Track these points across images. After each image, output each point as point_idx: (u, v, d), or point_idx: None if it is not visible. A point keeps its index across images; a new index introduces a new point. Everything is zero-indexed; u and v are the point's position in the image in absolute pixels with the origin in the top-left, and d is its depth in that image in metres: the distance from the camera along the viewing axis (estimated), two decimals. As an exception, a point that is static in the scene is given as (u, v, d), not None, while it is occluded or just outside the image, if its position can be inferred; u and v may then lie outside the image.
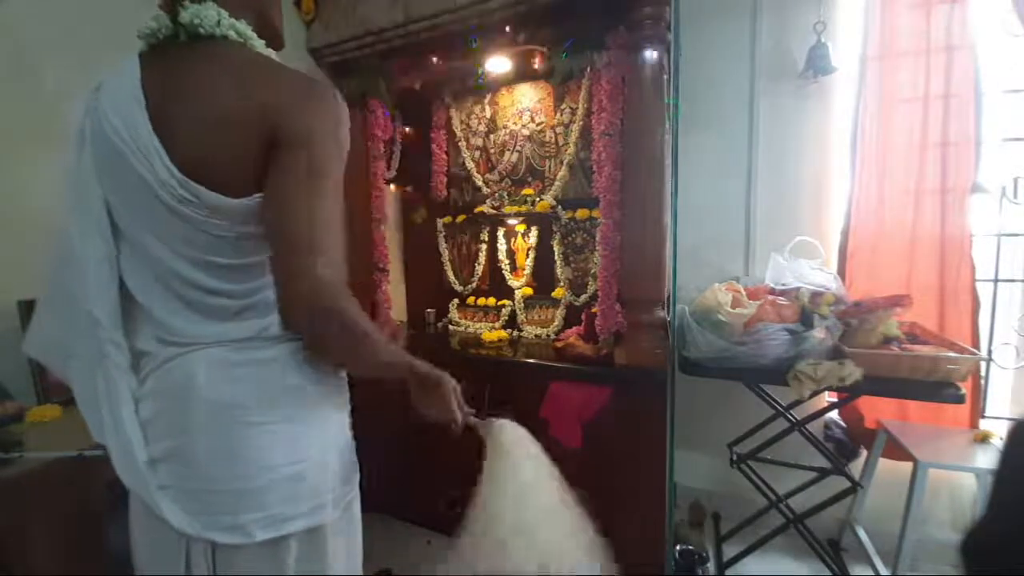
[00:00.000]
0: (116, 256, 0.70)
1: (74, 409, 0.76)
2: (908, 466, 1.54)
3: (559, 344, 1.89)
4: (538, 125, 2.19)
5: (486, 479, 0.84)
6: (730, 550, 1.74)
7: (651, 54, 1.56)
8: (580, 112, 2.04)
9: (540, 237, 2.22)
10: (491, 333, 2.14)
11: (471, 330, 2.33)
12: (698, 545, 1.78)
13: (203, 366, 0.68)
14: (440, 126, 2.43)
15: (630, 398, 1.58)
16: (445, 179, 2.46)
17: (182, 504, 0.67)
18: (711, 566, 1.75)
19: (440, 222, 2.48)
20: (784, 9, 1.84)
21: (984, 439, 1.58)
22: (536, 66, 2.03)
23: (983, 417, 1.73)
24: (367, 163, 2.16)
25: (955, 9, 1.61)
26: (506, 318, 2.28)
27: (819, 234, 1.85)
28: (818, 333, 1.44)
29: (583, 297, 2.11)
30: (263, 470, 0.68)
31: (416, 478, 2.04)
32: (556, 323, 2.15)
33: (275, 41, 0.78)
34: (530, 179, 2.25)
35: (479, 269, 2.38)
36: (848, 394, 1.48)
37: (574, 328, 1.98)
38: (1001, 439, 1.58)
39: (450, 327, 2.40)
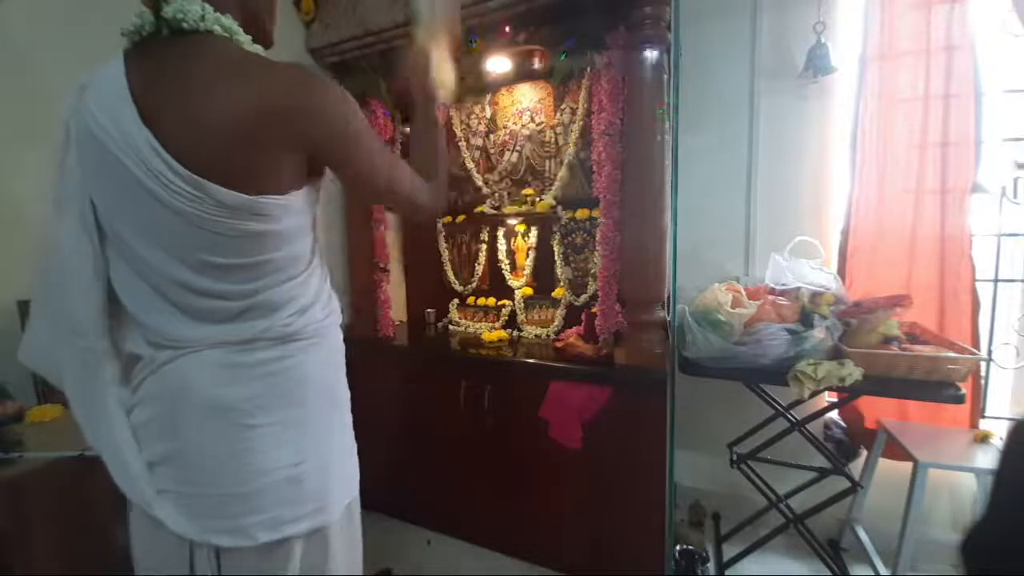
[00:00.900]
0: (103, 260, 0.69)
1: (74, 409, 0.76)
2: (908, 466, 1.54)
3: (559, 344, 1.89)
4: (538, 125, 2.19)
5: None
6: (730, 550, 1.74)
7: (651, 54, 1.56)
8: (580, 112, 2.03)
9: (540, 237, 2.21)
10: (491, 333, 2.14)
11: (471, 330, 2.33)
12: (698, 545, 1.78)
13: (200, 369, 0.67)
14: (441, 126, 2.42)
15: (630, 398, 1.58)
16: (445, 179, 2.45)
17: (181, 508, 0.67)
18: (711, 566, 1.75)
19: (440, 222, 2.47)
20: (784, 9, 1.84)
21: (984, 439, 1.59)
22: (536, 66, 2.03)
23: (983, 417, 1.73)
24: (367, 163, 2.15)
25: (955, 9, 1.61)
26: (506, 318, 2.28)
27: (819, 234, 1.85)
28: (818, 333, 1.44)
29: (583, 297, 2.11)
30: (263, 472, 0.68)
31: (416, 478, 2.04)
32: (556, 323, 2.15)
33: (263, 38, 0.76)
34: (530, 179, 2.25)
35: (479, 269, 2.38)
36: (848, 394, 1.48)
37: (574, 328, 1.98)
38: (1001, 439, 1.58)
39: (450, 327, 2.40)
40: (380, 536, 2.00)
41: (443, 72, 0.96)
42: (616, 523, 1.62)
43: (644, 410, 1.54)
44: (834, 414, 1.89)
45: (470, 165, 2.36)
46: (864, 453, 1.82)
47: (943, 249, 1.68)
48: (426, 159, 0.90)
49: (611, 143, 1.69)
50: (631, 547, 1.60)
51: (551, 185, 2.17)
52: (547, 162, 2.21)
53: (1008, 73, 1.67)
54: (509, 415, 1.80)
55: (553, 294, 2.18)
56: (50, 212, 0.69)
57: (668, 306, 1.66)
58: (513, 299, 2.28)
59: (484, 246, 2.37)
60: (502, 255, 2.32)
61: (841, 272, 1.80)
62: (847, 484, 1.54)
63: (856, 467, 1.79)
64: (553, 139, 2.17)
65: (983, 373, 1.73)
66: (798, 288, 1.60)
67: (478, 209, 2.30)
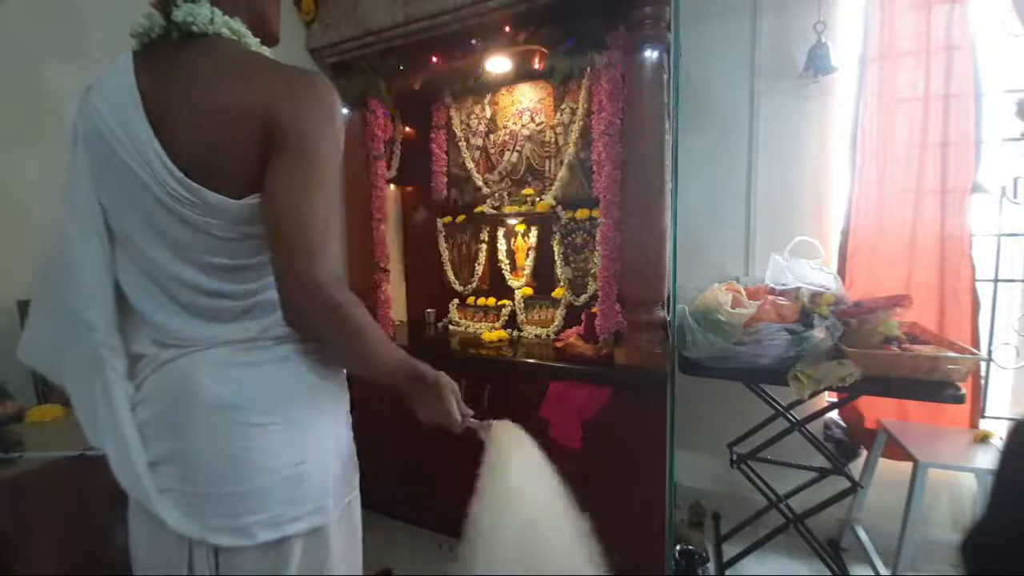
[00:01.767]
0: (111, 259, 0.69)
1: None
2: (908, 466, 1.54)
3: (559, 344, 1.90)
4: (538, 125, 2.19)
5: (486, 479, 0.84)
6: (730, 550, 1.74)
7: (651, 54, 1.56)
8: (580, 112, 2.04)
9: (540, 237, 2.22)
10: (491, 333, 2.14)
11: (471, 330, 2.33)
12: (698, 545, 1.78)
13: (203, 367, 0.67)
14: (440, 126, 2.43)
15: (630, 398, 1.58)
16: (445, 179, 2.46)
17: (182, 507, 0.67)
18: (711, 566, 1.75)
19: (440, 222, 2.48)
20: (784, 9, 1.84)
21: (984, 439, 1.59)
22: (536, 66, 2.03)
23: (983, 417, 1.73)
24: (367, 163, 2.16)
25: (955, 9, 1.61)
26: (506, 318, 2.28)
27: (819, 234, 1.85)
28: (818, 333, 1.44)
29: (583, 297, 2.11)
30: (264, 471, 0.68)
31: (416, 478, 2.03)
32: (556, 323, 2.15)
33: (269, 39, 0.77)
34: (530, 179, 2.25)
35: (479, 269, 2.38)
36: (848, 394, 1.48)
37: (574, 328, 1.98)
38: (1001, 439, 1.58)
39: (450, 327, 2.40)
40: (380, 536, 2.00)
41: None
42: (616, 523, 1.61)
43: (644, 410, 1.54)
44: (834, 414, 1.89)
45: (470, 165, 2.36)
46: (864, 453, 1.82)
47: (943, 249, 1.68)
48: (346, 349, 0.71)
49: (611, 143, 1.69)
50: (631, 547, 1.60)
51: (551, 185, 2.17)
52: (547, 162, 2.21)
53: (1008, 73, 1.67)
54: (509, 415, 1.79)
55: (553, 294, 2.19)
56: (58, 212, 0.70)
57: (668, 306, 1.66)
58: (513, 299, 2.28)
59: (484, 246, 2.37)
60: (502, 255, 2.32)
61: (841, 272, 1.80)
62: (847, 484, 1.54)
63: (856, 467, 1.79)
64: (553, 139, 2.17)
65: (983, 373, 1.73)
66: (798, 288, 1.60)
67: (478, 209, 2.30)
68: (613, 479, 1.61)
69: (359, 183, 2.14)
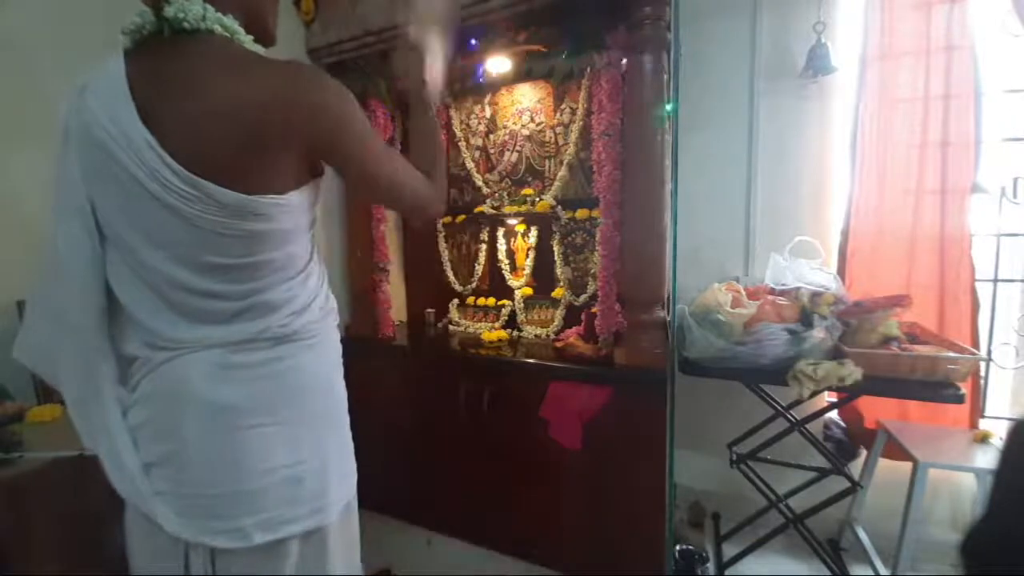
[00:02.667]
0: (102, 261, 0.68)
1: (74, 409, 0.76)
2: (908, 466, 1.54)
3: (559, 344, 1.89)
4: (538, 125, 2.19)
5: None
6: (730, 550, 1.74)
7: (651, 54, 1.56)
8: (580, 112, 2.03)
9: (540, 237, 2.21)
10: (491, 333, 2.14)
11: (471, 330, 2.33)
12: (698, 545, 1.78)
13: (197, 369, 0.67)
14: (440, 126, 2.42)
15: (630, 398, 1.58)
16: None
17: (178, 509, 0.67)
18: (711, 566, 1.75)
19: (440, 222, 2.47)
20: (784, 9, 1.84)
21: (984, 439, 1.59)
22: (536, 66, 2.02)
23: (983, 417, 1.73)
24: (367, 163, 2.15)
25: (955, 9, 1.61)
26: (506, 318, 2.27)
27: (819, 234, 1.85)
28: (818, 333, 1.44)
29: (583, 297, 2.11)
30: (261, 473, 0.68)
31: (416, 478, 2.03)
32: (556, 323, 2.14)
33: (265, 38, 0.75)
34: (530, 179, 2.25)
35: (479, 269, 2.38)
36: (848, 394, 1.48)
37: (574, 328, 1.98)
38: (1001, 439, 1.58)
39: (450, 327, 2.40)
40: (380, 536, 2.00)
41: (434, 71, 0.96)
42: (616, 523, 1.62)
43: (644, 410, 1.54)
44: (834, 414, 1.90)
45: (470, 165, 2.36)
46: (864, 453, 1.82)
47: (943, 249, 1.68)
48: (425, 157, 0.90)
49: (611, 143, 1.69)
50: (631, 547, 1.60)
51: (551, 185, 2.16)
52: (547, 162, 2.20)
53: (1008, 73, 1.67)
54: (509, 415, 1.80)
55: (553, 294, 2.18)
56: (51, 212, 0.69)
57: (668, 306, 1.66)
58: (513, 299, 2.28)
59: (484, 246, 2.36)
60: (502, 255, 2.31)
61: (841, 272, 1.80)
62: (847, 484, 1.54)
63: (856, 467, 1.79)
64: (553, 139, 2.16)
65: (983, 373, 1.73)
66: (798, 288, 1.60)
67: (478, 209, 2.30)
68: (613, 479, 1.61)
69: (359, 183, 2.14)
